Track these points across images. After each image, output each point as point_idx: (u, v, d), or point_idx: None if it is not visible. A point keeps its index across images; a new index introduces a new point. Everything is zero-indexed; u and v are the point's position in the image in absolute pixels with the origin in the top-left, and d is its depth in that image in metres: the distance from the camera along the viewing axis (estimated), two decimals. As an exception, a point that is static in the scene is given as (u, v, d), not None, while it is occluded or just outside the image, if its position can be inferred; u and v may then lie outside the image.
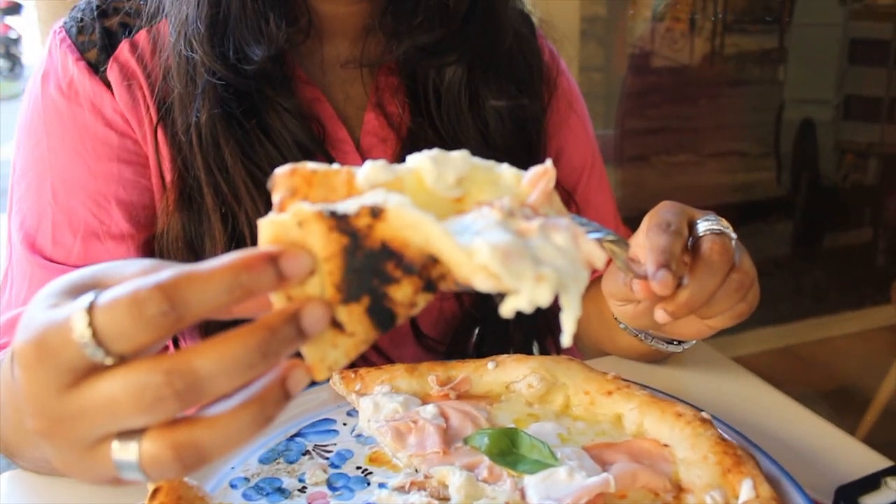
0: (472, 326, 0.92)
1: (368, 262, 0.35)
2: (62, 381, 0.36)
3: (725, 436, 0.59)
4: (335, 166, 0.39)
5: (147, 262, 0.40)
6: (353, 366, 0.75)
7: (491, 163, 0.40)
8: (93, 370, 0.35)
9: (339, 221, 0.35)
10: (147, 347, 0.35)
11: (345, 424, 0.67)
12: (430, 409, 0.63)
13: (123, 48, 0.80)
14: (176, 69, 0.77)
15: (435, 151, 0.39)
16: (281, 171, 0.38)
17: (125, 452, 0.36)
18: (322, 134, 0.84)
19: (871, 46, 2.81)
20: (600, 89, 2.67)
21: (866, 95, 2.88)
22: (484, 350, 0.91)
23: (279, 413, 0.36)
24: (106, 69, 0.79)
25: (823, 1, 2.80)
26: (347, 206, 0.35)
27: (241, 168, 0.77)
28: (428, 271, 0.35)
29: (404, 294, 0.36)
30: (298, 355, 0.37)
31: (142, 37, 0.81)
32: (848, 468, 0.63)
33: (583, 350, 0.96)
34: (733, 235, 0.62)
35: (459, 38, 0.83)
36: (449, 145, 0.82)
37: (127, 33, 0.81)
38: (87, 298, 0.35)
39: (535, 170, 0.40)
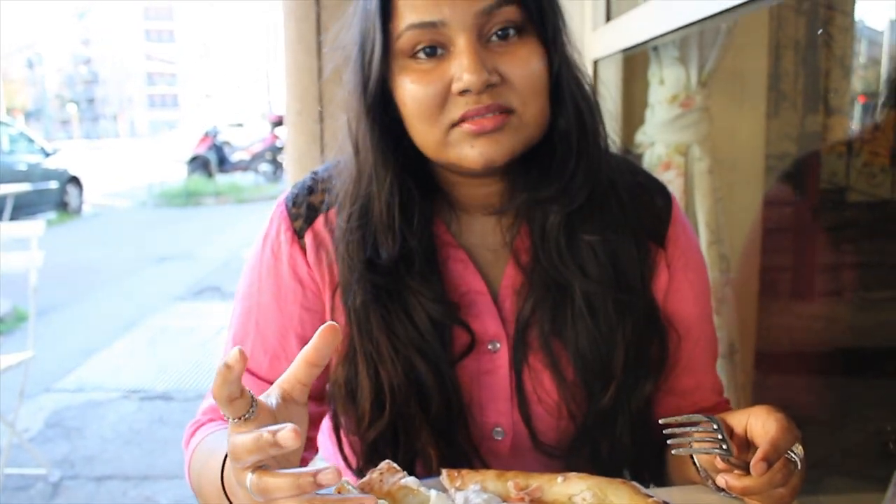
0: (584, 442, 1.06)
1: None
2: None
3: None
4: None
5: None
6: (457, 468, 0.98)
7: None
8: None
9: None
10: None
11: (444, 510, 0.90)
12: (504, 507, 0.84)
13: (320, 220, 1.05)
14: (339, 260, 1.02)
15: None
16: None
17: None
18: (464, 287, 1.05)
19: None
20: (788, 223, 2.69)
21: None
22: (598, 463, 1.04)
23: None
24: (304, 236, 1.05)
25: None
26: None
27: (385, 338, 1.00)
28: None
29: None
30: None
31: (333, 213, 1.05)
32: None
33: (675, 482, 1.08)
34: (800, 465, 0.85)
35: (565, 192, 1.00)
36: (557, 281, 1.02)
37: (324, 208, 1.06)
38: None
39: None
